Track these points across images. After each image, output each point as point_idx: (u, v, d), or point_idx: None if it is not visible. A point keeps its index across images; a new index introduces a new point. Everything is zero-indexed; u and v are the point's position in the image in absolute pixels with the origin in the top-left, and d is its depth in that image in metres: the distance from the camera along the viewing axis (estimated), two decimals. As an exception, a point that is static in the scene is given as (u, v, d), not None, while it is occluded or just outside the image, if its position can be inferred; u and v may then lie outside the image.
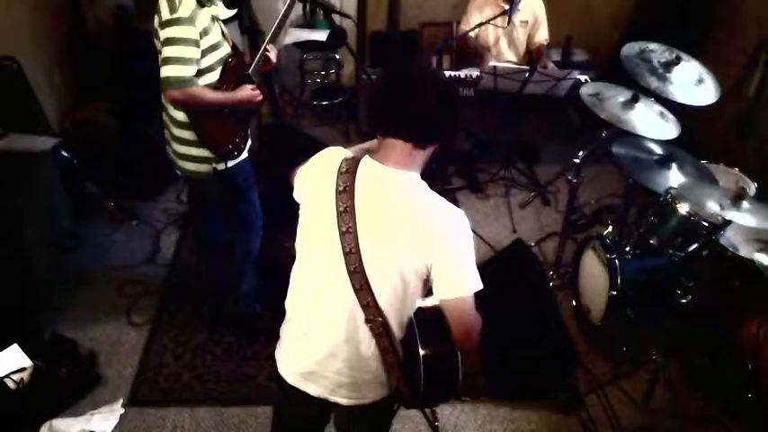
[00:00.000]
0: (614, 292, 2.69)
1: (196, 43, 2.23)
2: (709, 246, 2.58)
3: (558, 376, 2.76)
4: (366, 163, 1.54)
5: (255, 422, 2.58)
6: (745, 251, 2.61)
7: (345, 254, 1.50)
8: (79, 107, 3.87)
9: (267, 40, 2.51)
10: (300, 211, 1.63)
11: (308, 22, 4.46)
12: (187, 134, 2.40)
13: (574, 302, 3.12)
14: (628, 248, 2.90)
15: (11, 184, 2.72)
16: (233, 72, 2.40)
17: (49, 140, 3.01)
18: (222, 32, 2.40)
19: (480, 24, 3.71)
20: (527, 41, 3.96)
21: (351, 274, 1.51)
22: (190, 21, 2.20)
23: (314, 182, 1.60)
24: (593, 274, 2.92)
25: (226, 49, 2.40)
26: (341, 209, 1.50)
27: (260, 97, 2.47)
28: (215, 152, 2.44)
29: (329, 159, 1.59)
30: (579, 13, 4.51)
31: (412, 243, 1.48)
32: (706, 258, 2.61)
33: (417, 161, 1.54)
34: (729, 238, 2.64)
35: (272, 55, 2.54)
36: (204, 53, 2.28)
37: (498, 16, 3.64)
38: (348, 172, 1.53)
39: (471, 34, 3.79)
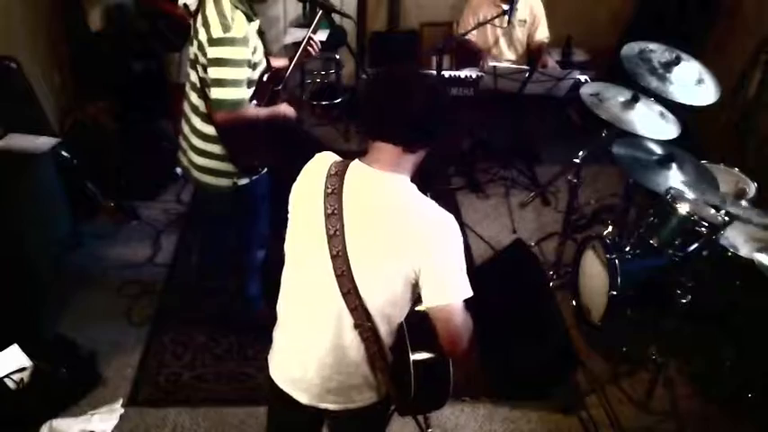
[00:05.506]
0: (614, 292, 2.68)
1: (249, 63, 2.17)
2: (709, 246, 2.58)
3: (558, 376, 2.77)
4: (355, 166, 1.52)
5: (255, 422, 2.57)
6: (745, 251, 2.61)
7: (332, 257, 1.48)
8: (79, 107, 3.87)
9: (311, 30, 2.43)
10: (289, 214, 1.61)
11: (308, 22, 4.44)
12: (213, 148, 2.33)
13: (574, 302, 3.11)
14: (628, 248, 2.89)
15: (11, 184, 2.72)
16: (268, 86, 2.32)
17: (49, 140, 3.00)
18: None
19: (479, 25, 3.71)
20: (527, 41, 3.96)
21: (338, 277, 1.48)
22: (244, 41, 2.12)
23: (303, 185, 1.59)
24: (593, 274, 2.91)
25: (264, 63, 2.33)
26: (328, 211, 1.48)
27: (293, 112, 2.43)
28: (240, 167, 2.36)
29: (319, 163, 1.57)
30: (579, 13, 4.51)
31: (400, 247, 1.45)
32: (706, 258, 2.61)
33: (406, 165, 1.51)
34: (729, 238, 2.64)
35: (316, 45, 2.48)
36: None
37: (497, 17, 3.64)
38: (336, 174, 1.51)
39: (470, 35, 3.79)
